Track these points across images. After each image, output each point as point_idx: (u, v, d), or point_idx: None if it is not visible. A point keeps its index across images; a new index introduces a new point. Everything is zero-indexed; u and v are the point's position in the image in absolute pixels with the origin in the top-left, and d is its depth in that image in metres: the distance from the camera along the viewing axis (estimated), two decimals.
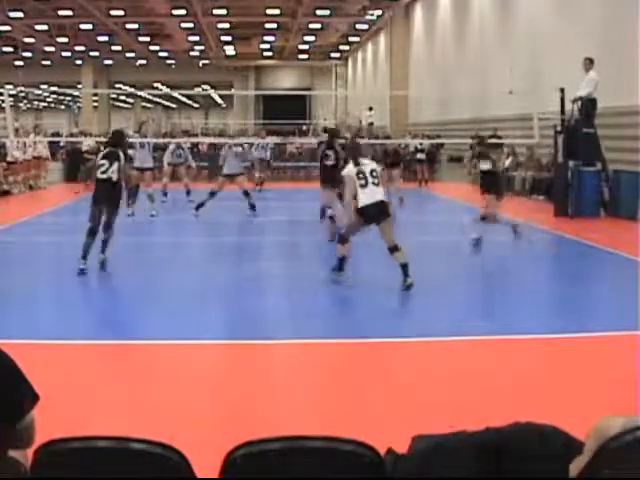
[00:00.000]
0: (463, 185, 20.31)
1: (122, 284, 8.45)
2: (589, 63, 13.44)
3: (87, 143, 21.98)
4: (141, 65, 48.68)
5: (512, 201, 17.14)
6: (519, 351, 5.72)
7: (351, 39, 41.83)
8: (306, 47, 43.94)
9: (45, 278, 8.54)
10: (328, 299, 7.47)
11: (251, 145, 18.07)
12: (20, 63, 44.17)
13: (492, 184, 10.10)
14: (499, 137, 19.59)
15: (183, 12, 33.04)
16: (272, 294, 7.65)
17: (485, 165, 10.20)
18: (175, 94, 59.40)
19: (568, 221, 13.20)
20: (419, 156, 22.12)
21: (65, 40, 38.58)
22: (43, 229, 12.29)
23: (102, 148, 10.23)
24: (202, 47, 43.56)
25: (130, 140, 12.64)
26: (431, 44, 28.69)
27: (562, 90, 13.92)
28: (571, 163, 13.82)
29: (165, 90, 52.94)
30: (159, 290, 7.87)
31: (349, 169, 7.66)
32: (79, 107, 49.53)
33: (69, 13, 32.38)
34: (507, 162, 19.48)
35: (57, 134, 31.38)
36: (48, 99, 63.42)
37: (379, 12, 33.14)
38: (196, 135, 29.83)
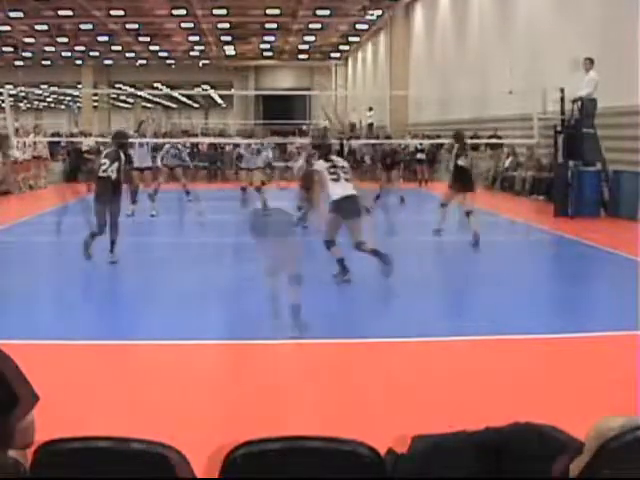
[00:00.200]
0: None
1: (122, 284, 8.46)
2: (589, 63, 13.44)
3: (87, 143, 22.00)
4: (141, 65, 48.71)
5: (512, 201, 17.16)
6: (519, 351, 5.72)
7: (351, 39, 41.86)
8: (306, 47, 43.97)
9: (45, 278, 8.54)
10: (328, 299, 7.46)
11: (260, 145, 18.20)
12: (20, 63, 44.20)
13: (465, 180, 10.59)
14: (499, 137, 19.62)
15: (183, 12, 33.06)
16: (271, 294, 7.63)
17: (461, 161, 10.68)
18: (175, 94, 59.39)
19: (568, 221, 13.20)
20: (419, 156, 22.12)
21: (65, 40, 38.61)
22: (43, 229, 12.28)
23: (102, 148, 10.35)
24: (202, 47, 43.59)
25: (129, 140, 12.68)
26: (431, 44, 28.69)
27: (562, 90, 13.93)
28: (571, 163, 13.83)
29: (165, 90, 52.92)
30: (159, 290, 7.87)
31: (320, 164, 7.86)
32: (79, 107, 49.52)
33: (69, 13, 32.40)
34: (507, 162, 19.50)
35: (57, 134, 31.37)
36: (48, 99, 63.41)
37: (379, 12, 33.15)
38: (196, 135, 29.83)
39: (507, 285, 8.16)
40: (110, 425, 4.02)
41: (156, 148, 16.06)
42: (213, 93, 59.06)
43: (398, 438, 1.59)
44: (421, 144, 22.09)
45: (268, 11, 33.11)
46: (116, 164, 8.90)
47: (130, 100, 62.18)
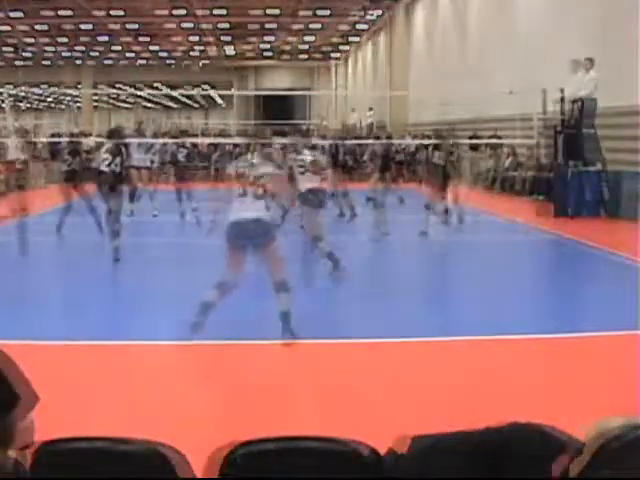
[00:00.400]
0: (462, 186, 20.30)
1: (121, 284, 8.45)
2: (589, 63, 13.44)
3: (87, 143, 21.97)
4: (141, 65, 48.71)
5: (512, 201, 17.15)
6: (519, 351, 5.72)
7: (351, 39, 41.88)
8: (306, 47, 43.99)
9: (45, 278, 8.54)
10: (328, 299, 7.46)
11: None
12: (20, 63, 44.21)
13: (438, 177, 11.01)
14: (499, 137, 19.63)
15: (183, 12, 33.08)
16: (272, 294, 7.63)
17: (435, 159, 11.13)
18: (175, 94, 59.38)
19: (568, 221, 13.20)
20: (419, 156, 22.14)
21: (65, 40, 38.62)
22: (42, 229, 12.27)
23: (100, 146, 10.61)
24: (202, 47, 43.60)
25: (128, 140, 12.72)
26: (431, 44, 28.69)
27: (562, 90, 13.93)
28: (571, 163, 13.83)
29: (164, 90, 52.91)
30: (159, 290, 7.87)
31: (291, 157, 8.24)
32: (79, 107, 49.50)
33: (69, 13, 32.41)
34: (507, 162, 19.49)
35: (57, 134, 31.35)
36: (48, 99, 63.40)
37: (379, 12, 33.16)
38: (196, 135, 29.80)
39: (507, 285, 8.16)
40: (110, 425, 4.02)
41: (149, 148, 15.95)
42: (213, 93, 59.07)
43: (398, 438, 1.59)
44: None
45: (268, 11, 33.13)
46: (118, 158, 9.24)
47: (131, 100, 62.20)
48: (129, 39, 39.73)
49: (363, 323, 6.48)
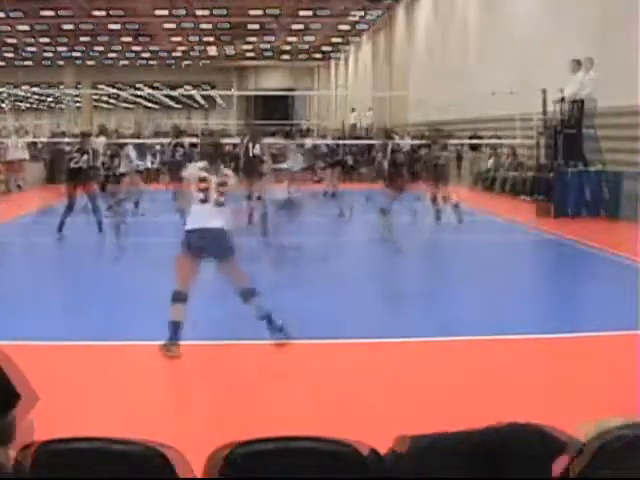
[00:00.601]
0: (462, 186, 20.34)
1: (121, 284, 8.45)
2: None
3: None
4: (141, 65, 48.72)
5: (512, 201, 17.14)
6: (519, 351, 5.72)
7: (351, 39, 41.89)
8: (306, 47, 44.00)
9: (43, 278, 8.54)
10: (327, 299, 7.46)
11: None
12: (20, 63, 44.21)
13: (395, 175, 11.10)
14: (499, 137, 19.63)
15: (183, 12, 33.08)
16: (271, 294, 7.64)
17: (398, 158, 11.23)
18: (175, 94, 59.38)
19: (568, 222, 13.19)
20: (416, 156, 22.12)
21: (65, 40, 38.61)
22: (42, 229, 12.28)
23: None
24: (202, 47, 43.60)
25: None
26: (431, 44, 28.69)
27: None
28: (571, 163, 13.82)
29: (164, 90, 52.90)
30: (156, 290, 7.86)
31: (191, 168, 5.85)
32: (79, 107, 49.47)
33: (69, 13, 32.40)
34: (507, 162, 19.50)
35: (62, 134, 31.30)
36: (48, 99, 63.39)
37: (379, 12, 33.17)
38: (196, 135, 29.75)
39: (507, 285, 8.17)
40: (109, 425, 4.01)
41: (145, 152, 15.91)
42: (213, 93, 59.09)
43: (398, 438, 1.59)
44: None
45: (268, 11, 33.14)
46: (85, 156, 11.03)
47: (131, 100, 62.21)
48: (129, 39, 39.73)
49: (363, 323, 6.48)
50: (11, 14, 31.63)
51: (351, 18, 35.51)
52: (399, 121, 30.57)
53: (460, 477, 1.57)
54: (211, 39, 40.71)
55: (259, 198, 11.86)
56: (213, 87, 52.58)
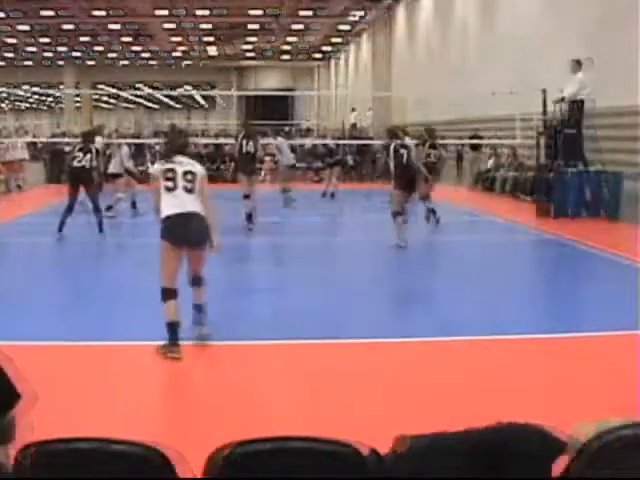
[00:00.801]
0: (461, 187, 20.34)
1: (119, 284, 8.44)
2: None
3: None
4: (141, 65, 48.74)
5: (512, 201, 17.14)
6: (519, 351, 5.72)
7: (351, 39, 41.90)
8: (306, 47, 44.02)
9: (42, 278, 8.54)
10: (327, 298, 7.46)
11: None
12: (20, 63, 44.20)
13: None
14: (499, 137, 19.63)
15: (183, 12, 33.10)
16: (269, 294, 7.64)
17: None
18: (175, 94, 59.40)
19: (568, 222, 13.19)
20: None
21: (65, 40, 38.61)
22: (42, 229, 12.29)
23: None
24: (202, 47, 43.62)
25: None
26: (430, 44, 28.68)
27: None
28: (571, 163, 13.82)
29: (164, 90, 52.91)
30: (156, 290, 7.85)
31: (156, 164, 5.84)
32: (78, 107, 49.49)
33: (69, 13, 32.40)
34: (507, 162, 19.49)
35: (63, 134, 31.28)
36: (48, 99, 63.41)
37: (379, 12, 33.16)
38: (196, 135, 29.76)
39: (507, 285, 8.16)
40: (109, 425, 4.01)
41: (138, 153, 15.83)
42: (214, 93, 59.13)
43: (398, 438, 1.59)
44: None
45: (268, 11, 33.17)
46: (88, 155, 10.78)
47: (131, 100, 62.23)
48: (129, 39, 39.74)
49: (363, 323, 6.48)
50: (11, 14, 31.64)
51: (351, 18, 35.50)
52: (399, 121, 30.56)
53: (460, 477, 1.57)
54: (211, 39, 40.72)
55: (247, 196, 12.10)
56: (213, 87, 52.61)
